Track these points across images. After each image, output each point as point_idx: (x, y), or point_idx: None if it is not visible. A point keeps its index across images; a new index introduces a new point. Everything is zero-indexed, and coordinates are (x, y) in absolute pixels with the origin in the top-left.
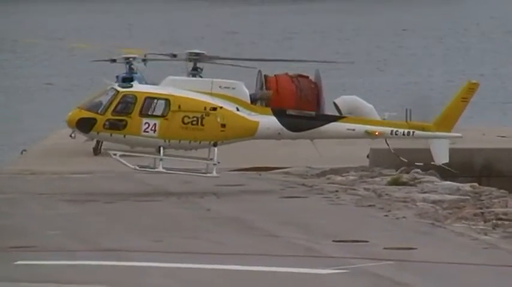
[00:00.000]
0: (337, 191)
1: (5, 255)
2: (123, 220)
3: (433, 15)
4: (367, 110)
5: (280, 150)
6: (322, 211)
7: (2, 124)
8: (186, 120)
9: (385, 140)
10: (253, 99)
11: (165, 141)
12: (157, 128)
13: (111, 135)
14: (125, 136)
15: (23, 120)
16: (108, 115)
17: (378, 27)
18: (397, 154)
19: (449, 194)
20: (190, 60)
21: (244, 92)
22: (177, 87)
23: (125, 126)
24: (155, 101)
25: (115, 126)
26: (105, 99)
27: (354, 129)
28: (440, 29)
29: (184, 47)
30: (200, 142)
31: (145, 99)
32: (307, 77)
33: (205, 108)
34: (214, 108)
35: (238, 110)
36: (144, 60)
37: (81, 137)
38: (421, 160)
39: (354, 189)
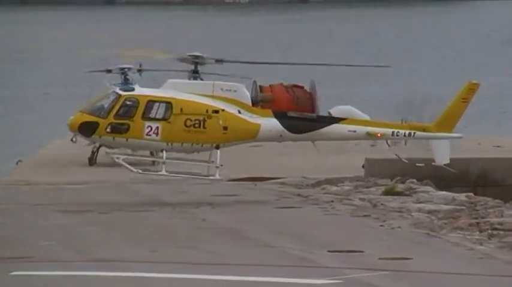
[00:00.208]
0: (332, 201)
1: (1, 265)
2: (119, 230)
3: (428, 23)
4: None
5: (275, 160)
6: (317, 221)
7: None
8: (189, 123)
9: (386, 141)
10: (254, 102)
11: (167, 144)
12: (159, 131)
13: (113, 139)
14: (127, 140)
15: (19, 131)
16: (111, 119)
17: (373, 35)
18: (398, 155)
19: (445, 204)
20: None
21: (246, 95)
22: (178, 90)
23: (127, 130)
24: (157, 104)
25: (117, 130)
26: (107, 103)
27: (355, 131)
28: (435, 37)
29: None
30: (202, 145)
31: (147, 102)
32: (302, 87)
33: (207, 111)
34: (216, 111)
35: (239, 112)
36: (139, 70)
37: (82, 141)
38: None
39: (349, 199)
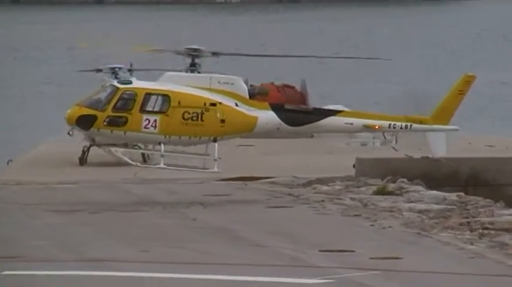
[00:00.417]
0: (323, 200)
1: None
2: (110, 230)
3: (421, 23)
4: None
5: (266, 160)
6: (308, 220)
7: None
8: (186, 116)
9: (383, 134)
10: (251, 95)
11: (165, 137)
12: (157, 124)
13: (111, 132)
14: (125, 133)
15: (10, 130)
16: (109, 112)
17: (367, 34)
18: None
19: (436, 203)
20: (188, 55)
21: (243, 88)
22: (175, 83)
23: (125, 122)
24: (155, 97)
25: (115, 123)
26: (104, 96)
27: (352, 124)
28: (427, 37)
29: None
30: (200, 138)
31: (145, 95)
32: (292, 87)
33: (204, 104)
34: (214, 104)
35: (237, 105)
36: (130, 70)
37: (78, 135)
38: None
39: (340, 199)
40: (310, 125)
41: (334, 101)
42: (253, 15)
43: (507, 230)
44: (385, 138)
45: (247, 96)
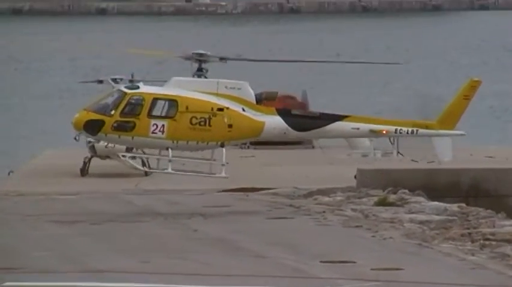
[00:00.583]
0: (324, 211)
1: None
2: (111, 240)
3: (420, 34)
4: None
5: (267, 171)
6: (309, 231)
7: None
8: (194, 121)
9: (389, 139)
10: (258, 100)
11: (173, 142)
12: (165, 129)
13: (119, 137)
14: (133, 138)
15: (12, 141)
16: (117, 117)
17: (363, 45)
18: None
19: (437, 214)
20: (195, 60)
21: (250, 93)
22: (182, 88)
23: (133, 127)
24: (163, 102)
25: (123, 128)
26: (112, 101)
27: (358, 129)
28: (425, 47)
29: (174, 65)
30: (208, 143)
31: (153, 100)
32: (293, 98)
33: (212, 109)
34: (221, 109)
35: (244, 110)
36: (131, 81)
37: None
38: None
39: (341, 210)
40: (316, 130)
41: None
42: (255, 26)
43: (508, 241)
44: (391, 143)
45: (254, 102)
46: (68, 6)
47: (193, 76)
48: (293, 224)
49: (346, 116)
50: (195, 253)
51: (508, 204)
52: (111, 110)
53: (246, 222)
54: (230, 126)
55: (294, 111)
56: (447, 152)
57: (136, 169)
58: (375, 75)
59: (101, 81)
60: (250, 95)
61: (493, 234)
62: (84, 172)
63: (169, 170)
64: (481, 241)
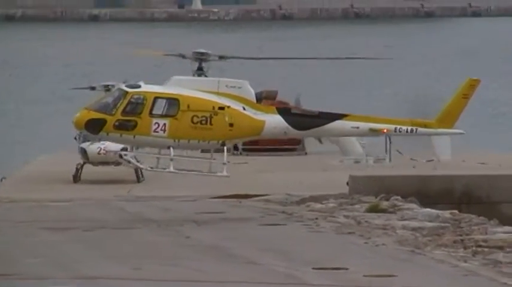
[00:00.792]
0: (316, 218)
1: None
2: (103, 247)
3: (412, 40)
4: (347, 137)
5: (260, 177)
6: (302, 238)
7: None
8: (196, 120)
9: (388, 138)
10: (258, 99)
11: (174, 141)
12: (167, 128)
13: (120, 135)
14: (134, 137)
15: (5, 147)
16: (118, 116)
17: (355, 51)
18: (400, 151)
19: (429, 221)
20: (195, 59)
21: (250, 91)
22: (183, 87)
23: (134, 126)
24: (164, 101)
25: (125, 126)
26: (113, 100)
27: (358, 127)
28: (418, 54)
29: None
30: (209, 142)
31: (154, 99)
32: (286, 104)
33: (213, 108)
34: (222, 108)
35: (244, 109)
36: None
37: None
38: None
39: (334, 216)
40: (316, 129)
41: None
42: (247, 32)
43: (501, 248)
44: (390, 142)
45: (255, 100)
46: (60, 12)
47: (193, 75)
48: (286, 231)
49: (345, 115)
50: (188, 259)
51: (500, 211)
52: (113, 109)
53: (239, 229)
54: (231, 125)
55: (294, 110)
56: (446, 151)
57: (139, 167)
58: (368, 79)
59: (93, 88)
60: (251, 94)
61: (485, 241)
62: (76, 178)
63: (171, 169)
64: (474, 248)
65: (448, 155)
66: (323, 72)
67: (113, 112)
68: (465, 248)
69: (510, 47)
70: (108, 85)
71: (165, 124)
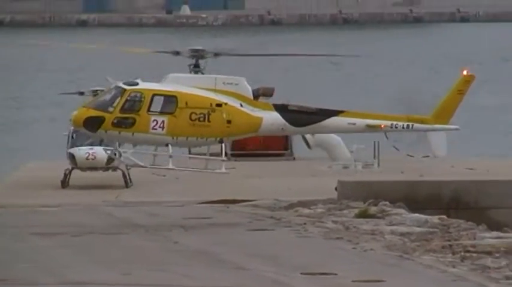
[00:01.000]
0: (305, 223)
1: None
2: (91, 252)
3: (401, 45)
4: (335, 143)
5: (248, 182)
6: (290, 243)
7: None
8: (194, 117)
9: (385, 134)
10: (255, 95)
11: (173, 138)
12: (165, 125)
13: (119, 133)
14: (133, 134)
15: None
16: (117, 113)
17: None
18: (396, 146)
19: (418, 226)
20: (192, 57)
21: (247, 88)
22: (180, 84)
23: (133, 124)
24: (162, 98)
25: (123, 124)
26: (111, 98)
27: (354, 124)
28: (407, 59)
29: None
30: (207, 139)
31: (152, 96)
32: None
33: (211, 105)
34: (220, 105)
35: (242, 106)
36: None
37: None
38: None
39: (322, 222)
40: (313, 125)
41: None
42: (235, 37)
43: (489, 253)
44: (387, 139)
45: (252, 97)
46: (49, 18)
47: (190, 72)
48: (274, 236)
49: (342, 111)
50: (176, 265)
51: (488, 216)
52: (111, 107)
53: (227, 234)
54: (229, 122)
55: (291, 107)
56: (442, 147)
57: (138, 165)
58: (359, 82)
59: (82, 93)
60: (248, 90)
61: (473, 246)
62: (65, 183)
63: (170, 166)
64: (462, 253)
65: (444, 151)
66: (314, 75)
67: (111, 110)
68: (453, 253)
69: (499, 52)
70: (96, 90)
71: (163, 121)
